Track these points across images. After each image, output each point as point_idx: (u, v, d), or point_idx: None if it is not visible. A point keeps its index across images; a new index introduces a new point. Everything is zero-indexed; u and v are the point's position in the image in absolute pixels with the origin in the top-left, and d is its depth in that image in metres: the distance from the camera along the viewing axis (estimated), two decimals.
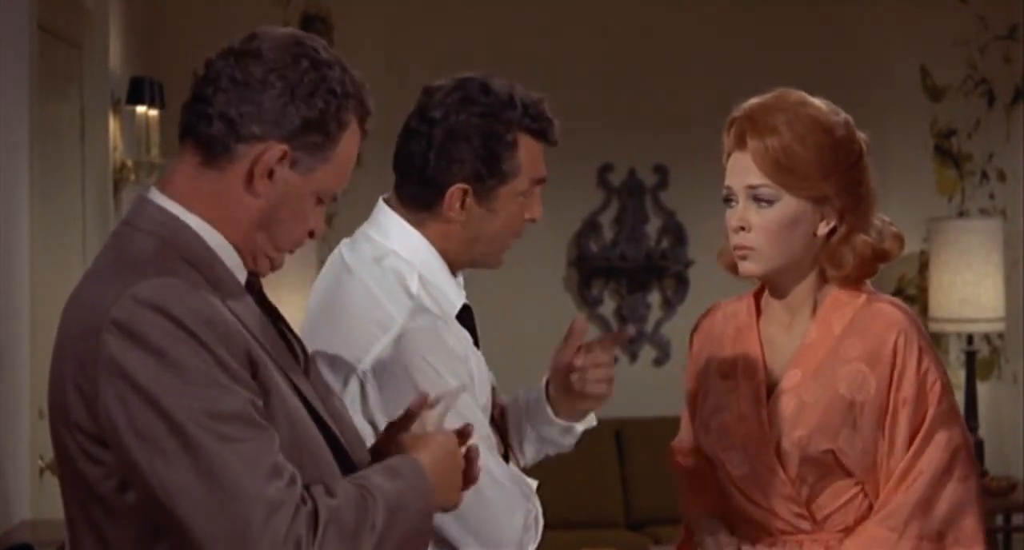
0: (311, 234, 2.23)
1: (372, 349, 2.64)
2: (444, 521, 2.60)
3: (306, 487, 2.04)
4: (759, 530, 2.85)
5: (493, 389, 2.89)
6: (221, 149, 2.13)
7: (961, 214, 7.47)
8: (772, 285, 2.86)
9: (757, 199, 2.74)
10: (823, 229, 2.77)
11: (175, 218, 2.14)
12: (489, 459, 2.61)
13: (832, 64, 7.33)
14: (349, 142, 2.18)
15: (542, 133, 2.76)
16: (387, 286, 2.70)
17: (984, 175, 7.55)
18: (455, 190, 2.72)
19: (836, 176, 2.74)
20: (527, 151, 2.75)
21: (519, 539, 2.69)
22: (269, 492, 1.99)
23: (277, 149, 2.12)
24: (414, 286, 2.71)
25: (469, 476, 2.28)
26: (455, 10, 7.20)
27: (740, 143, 2.75)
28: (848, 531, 2.80)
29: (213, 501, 1.98)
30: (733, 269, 2.84)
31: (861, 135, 2.82)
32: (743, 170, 2.75)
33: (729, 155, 2.79)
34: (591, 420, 2.94)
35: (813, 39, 7.40)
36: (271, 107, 2.12)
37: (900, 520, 2.74)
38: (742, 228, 2.76)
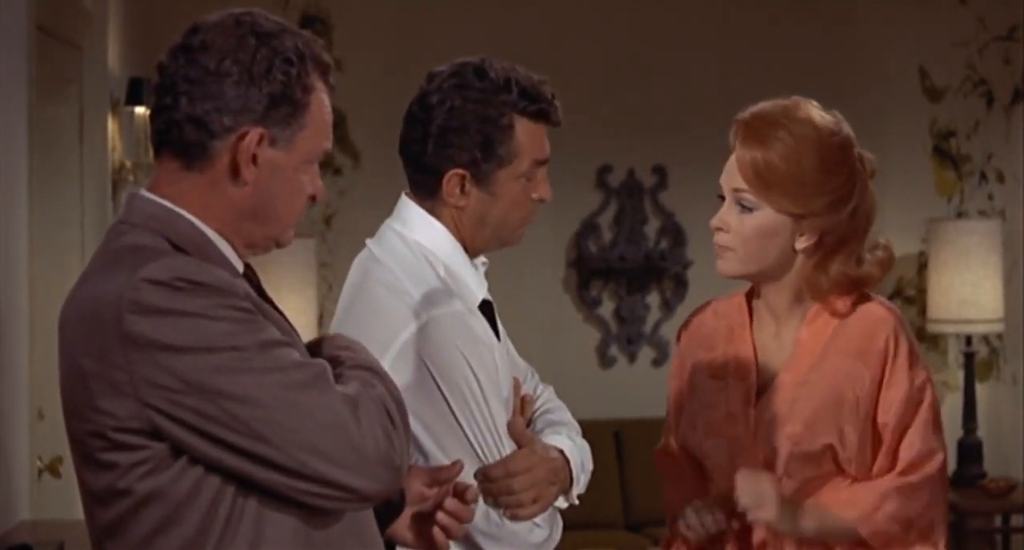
0: (312, 199, 2.24)
1: (400, 335, 2.66)
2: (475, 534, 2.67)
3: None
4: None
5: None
6: (199, 151, 2.14)
7: (960, 215, 7.46)
8: (755, 289, 2.88)
9: (740, 203, 2.76)
10: (801, 244, 2.77)
11: (166, 209, 2.15)
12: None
13: (831, 64, 7.33)
14: (319, 101, 2.19)
15: (541, 115, 2.76)
16: (415, 274, 2.72)
17: (983, 176, 7.55)
18: (452, 175, 2.73)
19: (817, 198, 2.73)
20: (525, 133, 2.74)
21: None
22: (341, 394, 2.08)
23: (254, 133, 2.13)
24: (441, 274, 2.73)
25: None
26: (455, 10, 7.20)
27: (735, 145, 2.77)
28: None
29: (301, 415, 2.03)
30: None
31: (867, 155, 2.80)
32: (732, 172, 2.77)
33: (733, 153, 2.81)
34: None
35: (813, 39, 7.40)
36: (234, 95, 2.12)
37: (882, 491, 2.75)
38: (720, 228, 2.79)
